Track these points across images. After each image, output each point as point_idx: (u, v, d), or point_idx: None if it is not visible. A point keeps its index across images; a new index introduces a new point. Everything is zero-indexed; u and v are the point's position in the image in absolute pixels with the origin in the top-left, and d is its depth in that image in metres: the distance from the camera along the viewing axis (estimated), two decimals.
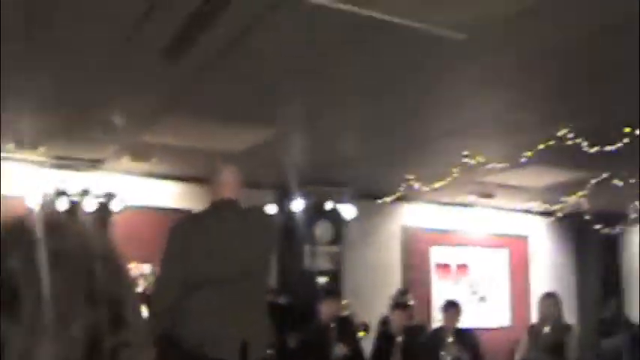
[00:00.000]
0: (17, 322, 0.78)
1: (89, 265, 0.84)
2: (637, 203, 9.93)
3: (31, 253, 0.82)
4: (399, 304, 8.16)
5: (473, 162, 7.98)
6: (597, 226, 11.06)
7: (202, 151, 7.46)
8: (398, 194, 9.76)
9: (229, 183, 4.08)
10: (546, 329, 7.34)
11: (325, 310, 7.17)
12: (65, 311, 0.80)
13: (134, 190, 8.87)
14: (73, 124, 6.96)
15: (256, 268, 4.08)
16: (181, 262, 3.85)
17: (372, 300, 8.99)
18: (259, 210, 4.61)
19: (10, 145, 7.78)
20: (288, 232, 8.83)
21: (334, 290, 8.12)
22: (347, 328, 7.29)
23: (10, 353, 0.77)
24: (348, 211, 9.37)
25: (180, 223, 4.14)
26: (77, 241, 0.87)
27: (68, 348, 0.79)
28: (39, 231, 0.86)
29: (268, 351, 4.54)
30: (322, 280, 9.30)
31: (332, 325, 7.07)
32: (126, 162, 8.37)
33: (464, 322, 7.87)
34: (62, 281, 0.81)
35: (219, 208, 4.07)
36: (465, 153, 7.78)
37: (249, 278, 3.98)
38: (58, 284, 0.80)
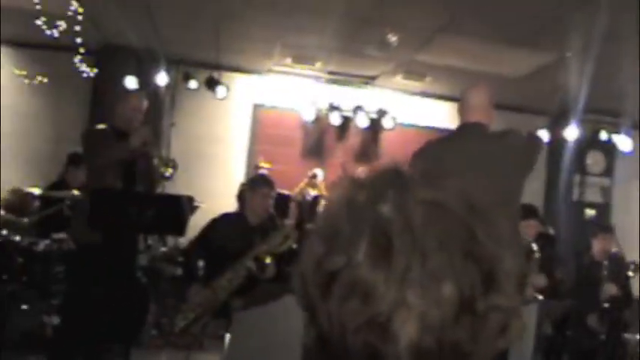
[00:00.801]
0: (388, 271, 0.74)
1: (469, 220, 0.78)
2: None
3: (406, 202, 0.78)
4: None
5: None
6: None
7: (480, 74, 7.33)
8: None
9: (475, 105, 3.77)
10: None
11: (598, 245, 6.88)
12: (439, 266, 0.74)
13: (406, 108, 8.97)
14: (350, 40, 7.11)
15: (496, 197, 3.86)
16: None
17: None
18: (512, 135, 4.21)
19: (288, 60, 8.15)
20: (559, 160, 8.54)
21: (609, 226, 7.74)
22: (618, 266, 6.97)
23: (377, 301, 0.74)
24: (622, 142, 8.85)
25: (422, 149, 4.03)
26: (458, 193, 0.81)
27: (437, 306, 0.74)
28: (415, 179, 0.82)
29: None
30: (590, 212, 8.96)
31: (604, 262, 6.79)
32: (399, 80, 8.47)
33: None
34: (438, 234, 0.75)
35: (462, 133, 3.90)
36: None
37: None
38: (433, 237, 0.75)
